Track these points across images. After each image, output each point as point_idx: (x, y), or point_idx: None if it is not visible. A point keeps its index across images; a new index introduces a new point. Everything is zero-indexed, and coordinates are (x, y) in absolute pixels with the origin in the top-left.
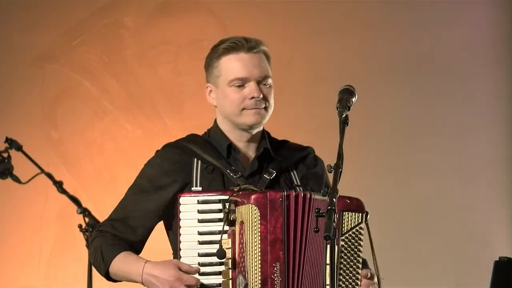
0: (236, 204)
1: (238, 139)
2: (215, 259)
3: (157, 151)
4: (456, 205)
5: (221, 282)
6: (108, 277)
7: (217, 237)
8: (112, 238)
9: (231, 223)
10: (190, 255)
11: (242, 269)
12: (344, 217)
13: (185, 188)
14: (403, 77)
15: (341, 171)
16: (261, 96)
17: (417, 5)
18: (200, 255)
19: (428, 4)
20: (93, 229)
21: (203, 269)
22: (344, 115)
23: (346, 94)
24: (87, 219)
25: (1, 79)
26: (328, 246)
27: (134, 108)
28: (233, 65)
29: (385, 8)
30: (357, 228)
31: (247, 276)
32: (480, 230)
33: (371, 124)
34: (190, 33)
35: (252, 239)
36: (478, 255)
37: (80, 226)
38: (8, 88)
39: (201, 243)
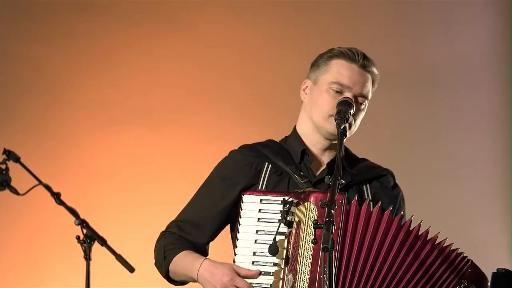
0: (297, 205)
1: (314, 144)
2: (269, 259)
3: (231, 151)
4: (453, 214)
5: (271, 283)
6: (168, 277)
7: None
8: (176, 238)
9: (289, 224)
10: (245, 253)
11: (293, 268)
12: None
13: (251, 188)
14: (403, 87)
15: (339, 183)
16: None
17: (417, 19)
18: (255, 254)
19: (428, 18)
20: (91, 241)
21: (256, 268)
22: (342, 127)
23: (344, 106)
24: (85, 231)
25: (0, 91)
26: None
27: (135, 119)
28: (342, 70)
29: (386, 20)
30: None
31: (296, 275)
32: (478, 240)
33: (371, 131)
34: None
35: (306, 238)
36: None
37: (78, 237)
38: (7, 99)
39: (257, 242)
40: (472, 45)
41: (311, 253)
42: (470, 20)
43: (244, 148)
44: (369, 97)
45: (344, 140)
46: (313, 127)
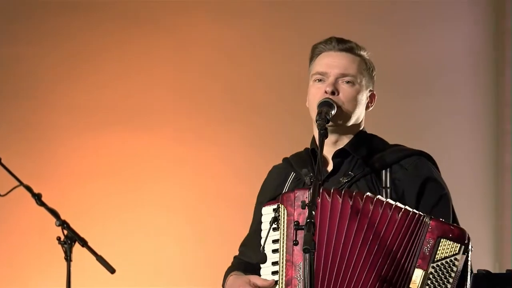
0: None
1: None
2: None
3: (273, 166)
4: None
5: None
6: None
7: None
8: (236, 262)
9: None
10: (266, 265)
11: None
12: (440, 244)
13: (275, 199)
14: (386, 87)
15: (320, 184)
16: (331, 89)
17: (400, 19)
18: (273, 263)
19: (411, 18)
20: (71, 242)
21: (273, 277)
22: (322, 128)
23: (325, 107)
24: (65, 232)
25: None
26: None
27: (119, 121)
28: (320, 61)
29: (368, 19)
30: (452, 258)
31: (278, 278)
32: None
33: None
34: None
35: (282, 241)
36: None
37: (58, 238)
38: None
39: (274, 251)
40: (455, 44)
41: (285, 254)
42: (453, 19)
43: (282, 161)
44: (358, 75)
45: (350, 121)
46: (315, 126)
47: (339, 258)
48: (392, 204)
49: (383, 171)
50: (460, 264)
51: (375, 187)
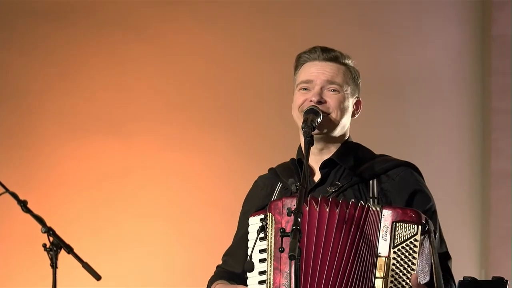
0: None
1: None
2: None
3: (259, 176)
4: None
5: None
6: None
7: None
8: (219, 271)
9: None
10: (253, 275)
11: None
12: (396, 229)
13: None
14: (370, 95)
15: (306, 191)
16: (317, 99)
17: (384, 28)
18: (259, 273)
19: (397, 27)
20: (57, 249)
21: (261, 287)
22: (308, 136)
23: (311, 114)
24: (51, 239)
25: None
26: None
27: (106, 129)
28: (306, 70)
29: (355, 29)
30: (412, 240)
31: (266, 286)
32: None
33: None
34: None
35: (270, 248)
36: None
37: (44, 245)
38: None
39: (260, 261)
40: (441, 51)
41: (273, 263)
42: (440, 26)
43: (268, 171)
44: (344, 84)
45: (336, 129)
46: (301, 135)
47: (327, 266)
48: (353, 204)
49: (371, 181)
50: (421, 245)
51: (363, 196)
